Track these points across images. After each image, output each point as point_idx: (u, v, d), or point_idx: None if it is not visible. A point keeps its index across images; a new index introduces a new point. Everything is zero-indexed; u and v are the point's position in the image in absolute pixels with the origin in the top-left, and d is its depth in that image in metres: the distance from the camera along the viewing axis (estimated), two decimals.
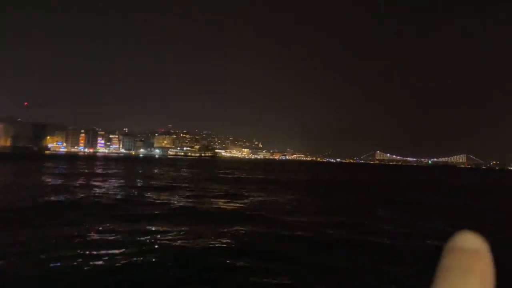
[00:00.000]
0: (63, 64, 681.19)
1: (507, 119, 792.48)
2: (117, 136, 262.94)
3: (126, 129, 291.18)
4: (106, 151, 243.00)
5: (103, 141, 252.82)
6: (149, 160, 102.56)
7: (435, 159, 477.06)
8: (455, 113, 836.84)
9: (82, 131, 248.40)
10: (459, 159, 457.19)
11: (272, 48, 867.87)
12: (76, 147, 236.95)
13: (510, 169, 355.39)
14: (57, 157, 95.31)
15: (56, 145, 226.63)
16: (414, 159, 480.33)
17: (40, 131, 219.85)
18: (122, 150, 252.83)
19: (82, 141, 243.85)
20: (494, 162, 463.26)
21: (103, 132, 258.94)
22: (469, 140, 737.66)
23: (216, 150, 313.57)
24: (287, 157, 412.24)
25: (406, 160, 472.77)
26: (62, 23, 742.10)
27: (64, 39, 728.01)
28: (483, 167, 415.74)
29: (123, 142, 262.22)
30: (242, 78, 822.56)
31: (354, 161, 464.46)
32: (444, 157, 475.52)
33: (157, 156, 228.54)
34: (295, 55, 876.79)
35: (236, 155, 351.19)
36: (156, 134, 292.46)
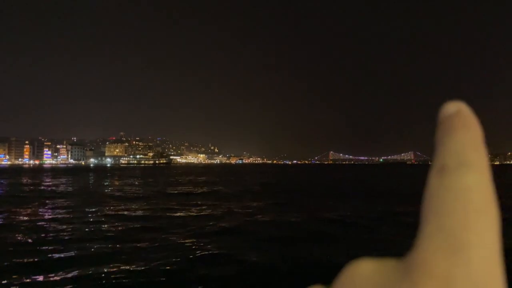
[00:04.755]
0: (1, 73, 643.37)
1: None
2: (65, 146, 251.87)
3: (75, 138, 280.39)
4: (54, 162, 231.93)
5: (49, 152, 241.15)
6: (99, 170, 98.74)
7: (385, 157, 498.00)
8: (402, 113, 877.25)
9: (26, 142, 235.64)
10: (408, 156, 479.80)
11: (222, 57, 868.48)
12: (20, 159, 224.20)
13: None
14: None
15: None
16: (366, 158, 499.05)
17: None
18: (71, 161, 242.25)
19: (27, 153, 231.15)
20: None
21: (49, 143, 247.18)
22: (416, 138, 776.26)
23: (171, 157, 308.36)
24: (243, 161, 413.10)
25: (358, 159, 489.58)
26: (2, 33, 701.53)
27: (5, 46, 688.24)
28: (429, 163, 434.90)
29: (71, 152, 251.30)
30: (196, 85, 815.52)
31: (309, 162, 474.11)
32: (394, 155, 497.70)
33: (108, 165, 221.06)
34: (246, 62, 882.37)
35: (192, 161, 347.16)
36: (107, 143, 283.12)
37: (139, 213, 15.15)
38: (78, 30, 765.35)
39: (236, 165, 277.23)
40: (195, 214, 14.80)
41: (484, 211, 0.22)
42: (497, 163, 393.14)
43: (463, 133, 0.22)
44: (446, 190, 0.22)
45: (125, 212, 15.25)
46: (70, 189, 29.41)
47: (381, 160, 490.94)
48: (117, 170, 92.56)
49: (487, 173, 0.21)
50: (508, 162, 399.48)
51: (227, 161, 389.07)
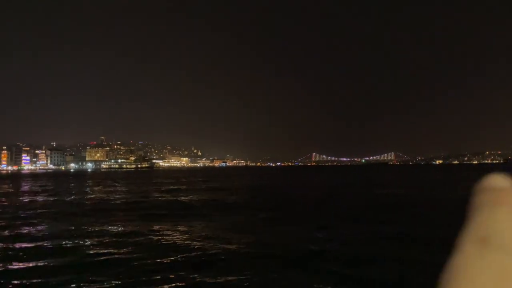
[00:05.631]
0: None
1: (431, 119, 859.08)
2: (44, 152, 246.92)
3: (54, 143, 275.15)
4: (33, 167, 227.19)
5: (28, 157, 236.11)
6: (79, 175, 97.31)
7: (367, 158, 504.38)
8: (384, 115, 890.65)
9: (4, 147, 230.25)
10: (389, 157, 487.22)
11: (204, 59, 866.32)
12: None
13: (434, 164, 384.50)
14: None
15: None
16: (348, 159, 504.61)
17: None
18: (51, 166, 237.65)
19: (4, 158, 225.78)
20: (420, 158, 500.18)
21: (28, 148, 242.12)
22: (398, 139, 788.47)
23: (154, 161, 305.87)
24: (227, 164, 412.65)
25: (340, 160, 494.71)
26: None
27: None
28: (410, 163, 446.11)
29: (51, 157, 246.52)
30: (178, 88, 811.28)
31: (293, 164, 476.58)
32: (376, 156, 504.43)
33: (89, 170, 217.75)
34: (229, 65, 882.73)
35: (175, 165, 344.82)
36: (87, 147, 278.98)
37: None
38: (57, 34, 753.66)
39: (220, 168, 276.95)
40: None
41: None
42: (475, 162, 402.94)
43: (510, 214, 0.23)
44: (486, 267, 0.22)
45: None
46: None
47: (363, 161, 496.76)
48: (96, 175, 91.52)
49: None
50: (486, 161, 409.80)
51: (211, 164, 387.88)
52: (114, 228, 13.98)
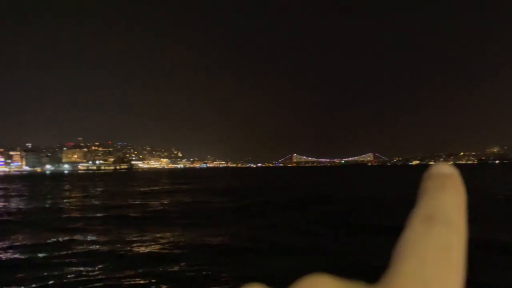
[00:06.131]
0: None
1: (408, 120, 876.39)
2: (19, 153, 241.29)
3: (30, 144, 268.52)
4: (7, 169, 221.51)
5: (2, 159, 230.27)
6: (54, 177, 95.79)
7: (346, 159, 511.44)
8: (360, 115, 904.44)
9: None
10: (368, 157, 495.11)
11: (182, 59, 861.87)
12: None
13: (411, 165, 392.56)
14: None
15: None
16: (328, 160, 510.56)
17: None
18: (26, 168, 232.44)
19: None
20: (398, 158, 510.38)
21: (2, 149, 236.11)
22: (376, 140, 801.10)
23: (133, 162, 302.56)
24: (208, 165, 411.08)
25: (320, 161, 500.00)
26: None
27: None
28: (388, 164, 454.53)
29: (26, 158, 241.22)
30: (157, 88, 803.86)
31: (273, 165, 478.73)
32: (354, 157, 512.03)
33: (66, 172, 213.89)
34: (208, 66, 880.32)
35: (155, 166, 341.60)
36: (64, 148, 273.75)
37: None
38: (29, 33, 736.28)
39: (201, 169, 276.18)
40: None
41: (457, 271, 0.25)
42: (450, 163, 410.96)
43: (453, 195, 0.26)
44: (432, 240, 0.25)
45: None
46: None
47: (343, 162, 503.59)
48: (73, 177, 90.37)
49: (466, 236, 0.25)
50: (461, 162, 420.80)
51: (191, 166, 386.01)
52: (84, 239, 12.81)
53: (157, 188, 40.84)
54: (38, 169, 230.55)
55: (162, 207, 21.50)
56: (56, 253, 10.63)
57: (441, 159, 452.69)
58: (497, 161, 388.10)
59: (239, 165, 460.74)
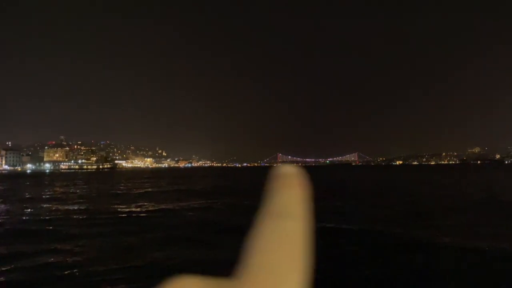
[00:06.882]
0: None
1: (392, 121, 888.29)
2: None
3: (10, 143, 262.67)
4: None
5: None
6: (34, 176, 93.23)
7: (331, 159, 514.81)
8: (345, 116, 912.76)
9: None
10: (352, 157, 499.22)
11: (168, 57, 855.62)
12: None
13: (394, 164, 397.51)
14: None
15: None
16: (313, 160, 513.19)
17: None
18: (6, 167, 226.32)
19: None
20: (381, 158, 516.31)
21: None
22: (360, 140, 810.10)
23: (116, 161, 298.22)
24: (192, 164, 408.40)
25: (305, 161, 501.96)
26: None
27: None
28: (372, 164, 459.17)
29: (6, 157, 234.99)
30: (141, 86, 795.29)
31: (259, 164, 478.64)
32: (339, 156, 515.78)
33: (47, 171, 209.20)
34: (193, 65, 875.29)
35: (139, 165, 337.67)
36: (46, 147, 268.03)
37: None
38: (10, 27, 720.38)
39: (185, 169, 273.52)
40: None
41: (301, 258, 0.28)
42: (433, 163, 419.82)
43: (297, 191, 0.30)
44: (278, 233, 0.29)
45: None
46: None
47: (328, 161, 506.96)
48: (54, 177, 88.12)
49: (305, 223, 0.29)
50: (443, 162, 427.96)
51: (176, 165, 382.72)
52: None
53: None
54: (19, 168, 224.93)
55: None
56: None
57: (424, 159, 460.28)
58: (478, 161, 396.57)
59: (224, 165, 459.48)
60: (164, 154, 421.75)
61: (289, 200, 0.30)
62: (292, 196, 0.30)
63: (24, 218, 17.14)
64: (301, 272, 0.28)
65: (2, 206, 22.03)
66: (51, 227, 14.01)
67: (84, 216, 16.85)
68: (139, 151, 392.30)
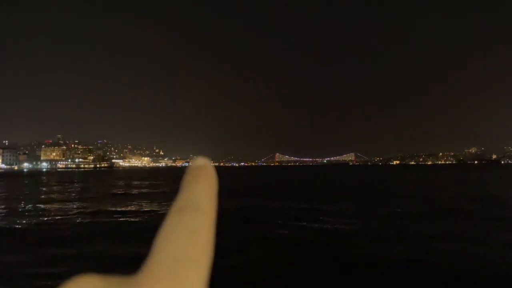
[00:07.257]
0: None
1: (389, 121, 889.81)
2: None
3: (7, 141, 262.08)
4: None
5: None
6: (31, 175, 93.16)
7: (329, 158, 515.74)
8: (342, 116, 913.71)
9: None
10: (349, 157, 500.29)
11: (166, 57, 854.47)
12: None
13: (391, 164, 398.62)
14: None
15: None
16: (311, 159, 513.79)
17: None
18: (3, 166, 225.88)
19: None
20: (378, 158, 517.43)
21: None
22: (357, 140, 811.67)
23: (114, 160, 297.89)
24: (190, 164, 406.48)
25: (303, 160, 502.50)
26: None
27: None
28: (369, 163, 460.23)
29: (3, 156, 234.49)
30: (138, 85, 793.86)
31: (256, 164, 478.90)
32: (337, 156, 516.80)
33: (44, 170, 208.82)
34: (191, 65, 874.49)
35: (136, 164, 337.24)
36: (43, 146, 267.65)
37: None
38: (11, 27, 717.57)
39: (182, 168, 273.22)
40: None
41: (205, 251, 0.29)
42: (430, 163, 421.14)
43: (204, 184, 0.29)
44: (182, 227, 0.29)
45: None
46: None
47: (325, 161, 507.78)
48: (50, 176, 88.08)
49: (213, 218, 0.29)
50: (440, 162, 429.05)
51: (173, 164, 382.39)
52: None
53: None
54: (15, 167, 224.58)
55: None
56: None
57: (421, 159, 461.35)
58: (475, 161, 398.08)
59: (221, 164, 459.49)
60: (161, 153, 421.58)
61: (196, 193, 0.29)
62: (199, 189, 0.29)
63: (14, 217, 17.41)
64: (203, 267, 0.28)
65: None
66: (40, 227, 14.20)
67: (77, 216, 17.18)
68: (137, 150, 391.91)
